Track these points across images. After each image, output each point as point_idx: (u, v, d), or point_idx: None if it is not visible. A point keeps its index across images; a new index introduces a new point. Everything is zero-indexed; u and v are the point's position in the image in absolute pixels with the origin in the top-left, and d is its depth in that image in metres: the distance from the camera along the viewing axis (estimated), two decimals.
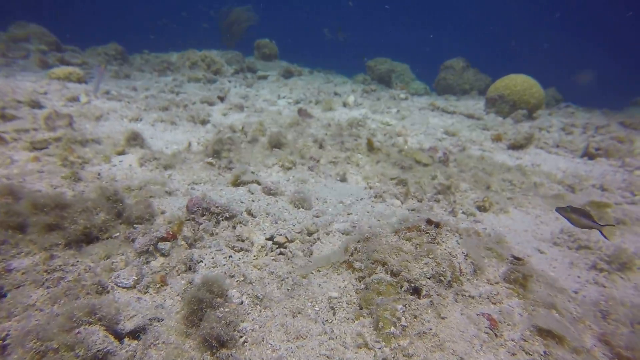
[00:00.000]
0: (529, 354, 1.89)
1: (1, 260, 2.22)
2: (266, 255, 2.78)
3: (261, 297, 2.26)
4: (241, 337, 1.96)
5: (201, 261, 2.57)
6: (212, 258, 2.62)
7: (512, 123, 8.69)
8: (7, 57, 8.61)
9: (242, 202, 3.48)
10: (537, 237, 3.75)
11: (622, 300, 2.55)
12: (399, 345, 1.90)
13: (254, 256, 2.74)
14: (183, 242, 2.67)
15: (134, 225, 2.75)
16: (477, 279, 2.37)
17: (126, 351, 1.80)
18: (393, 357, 1.86)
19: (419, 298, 2.14)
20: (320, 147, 5.41)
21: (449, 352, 1.89)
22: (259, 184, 3.92)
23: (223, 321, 1.90)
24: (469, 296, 2.24)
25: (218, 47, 13.49)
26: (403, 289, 2.16)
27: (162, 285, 2.30)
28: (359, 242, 2.57)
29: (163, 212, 3.08)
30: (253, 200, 3.57)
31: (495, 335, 2.00)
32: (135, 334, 1.95)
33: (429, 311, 2.07)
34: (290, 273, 2.52)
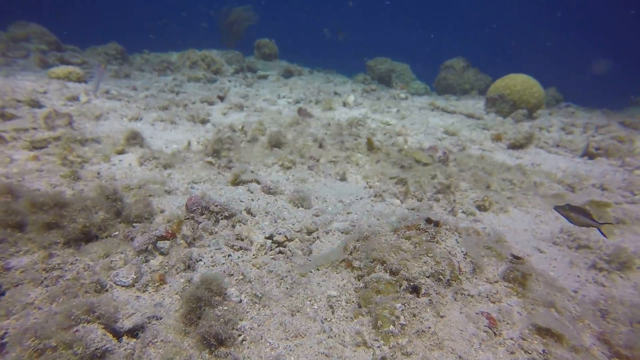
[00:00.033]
0: (528, 352, 1.89)
1: (0, 259, 2.22)
2: (265, 254, 2.78)
3: (260, 295, 2.26)
4: (240, 335, 1.96)
5: (200, 260, 2.57)
6: (212, 257, 2.62)
7: (512, 123, 8.68)
8: (7, 56, 8.62)
9: (241, 201, 3.48)
10: (537, 237, 3.75)
11: (621, 300, 2.55)
12: (398, 343, 1.89)
13: (253, 255, 2.74)
14: (182, 241, 2.67)
15: (133, 224, 2.75)
16: (476, 278, 2.37)
17: (125, 349, 1.80)
18: (392, 356, 1.86)
19: (418, 297, 2.14)
20: (320, 146, 5.41)
21: (448, 351, 1.88)
22: (258, 183, 3.92)
23: (222, 319, 1.89)
24: (468, 295, 2.23)
25: (218, 47, 13.49)
26: (402, 288, 2.16)
27: (161, 283, 2.30)
28: (358, 240, 2.56)
29: (162, 211, 3.08)
30: (252, 199, 3.57)
31: (494, 333, 2.00)
32: (133, 332, 1.94)
33: (428, 310, 2.07)
34: (289, 272, 2.52)
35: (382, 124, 7.55)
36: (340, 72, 14.96)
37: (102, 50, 11.07)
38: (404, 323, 1.97)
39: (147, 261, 2.46)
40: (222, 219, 3.02)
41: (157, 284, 2.29)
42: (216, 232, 2.89)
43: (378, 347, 1.91)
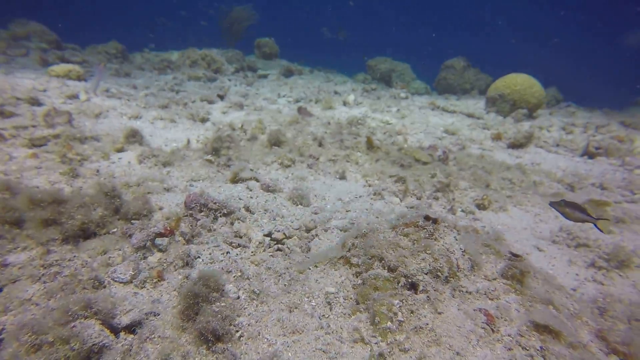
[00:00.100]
0: (526, 349, 1.88)
1: None
2: (264, 251, 2.78)
3: (258, 292, 2.26)
4: (237, 331, 1.96)
5: (199, 257, 2.57)
6: (210, 254, 2.62)
7: (512, 122, 8.67)
8: (7, 54, 8.62)
9: (240, 199, 3.48)
10: (536, 235, 3.74)
11: (619, 298, 2.54)
12: (396, 340, 1.89)
13: (252, 252, 2.74)
14: (180, 238, 2.67)
15: (132, 221, 2.75)
16: (474, 275, 2.37)
17: (122, 345, 1.80)
18: (389, 352, 1.86)
19: (416, 293, 2.13)
20: (320, 145, 5.41)
21: (446, 347, 1.88)
22: (257, 180, 3.92)
23: (219, 316, 1.89)
24: (466, 292, 2.23)
25: (218, 46, 13.48)
26: (400, 285, 2.16)
27: (158, 280, 2.30)
28: (356, 237, 2.56)
29: (161, 208, 3.08)
30: (251, 197, 3.57)
31: (492, 330, 1.99)
32: (131, 328, 1.94)
33: (426, 306, 2.07)
34: (287, 269, 2.52)
35: (382, 123, 7.55)
36: (340, 72, 14.97)
37: (102, 49, 11.07)
38: (402, 319, 1.97)
39: (145, 258, 2.46)
40: (220, 216, 3.02)
41: (155, 280, 2.29)
42: (215, 230, 2.89)
43: (375, 343, 1.91)
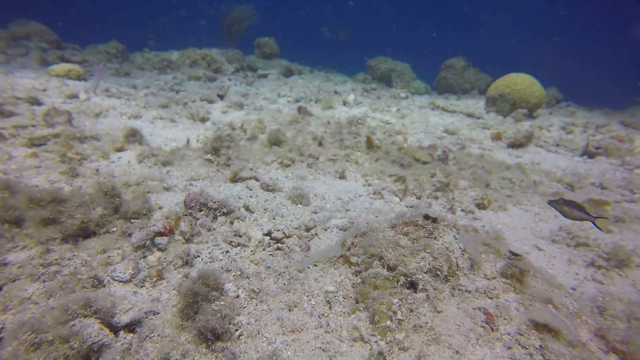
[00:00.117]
0: (525, 347, 1.88)
1: None
2: (263, 250, 2.78)
3: (257, 291, 2.26)
4: (237, 330, 1.96)
5: (198, 256, 2.57)
6: (209, 253, 2.62)
7: (512, 122, 8.67)
8: (7, 54, 8.62)
9: (239, 198, 3.48)
10: (536, 235, 3.74)
11: (619, 297, 2.54)
12: (395, 338, 1.89)
13: (251, 251, 2.74)
14: (180, 237, 2.67)
15: (131, 220, 2.75)
16: (474, 274, 2.37)
17: (121, 344, 1.80)
18: (389, 351, 1.86)
19: (415, 292, 2.13)
20: (320, 144, 5.41)
21: (445, 346, 1.88)
22: (257, 180, 3.92)
23: (219, 314, 1.89)
24: (466, 291, 2.23)
25: (218, 46, 13.48)
26: (399, 283, 2.16)
27: (158, 279, 2.30)
28: (356, 236, 2.56)
29: (160, 207, 3.08)
30: (251, 196, 3.57)
31: (492, 329, 1.99)
32: (131, 327, 1.94)
33: (425, 305, 2.07)
34: (287, 268, 2.52)
35: (382, 122, 7.55)
36: (340, 72, 14.97)
37: (102, 48, 11.07)
38: (401, 318, 1.97)
39: (144, 257, 2.46)
40: (220, 215, 3.02)
41: (154, 279, 2.29)
42: (214, 229, 2.89)
43: (375, 342, 1.91)
